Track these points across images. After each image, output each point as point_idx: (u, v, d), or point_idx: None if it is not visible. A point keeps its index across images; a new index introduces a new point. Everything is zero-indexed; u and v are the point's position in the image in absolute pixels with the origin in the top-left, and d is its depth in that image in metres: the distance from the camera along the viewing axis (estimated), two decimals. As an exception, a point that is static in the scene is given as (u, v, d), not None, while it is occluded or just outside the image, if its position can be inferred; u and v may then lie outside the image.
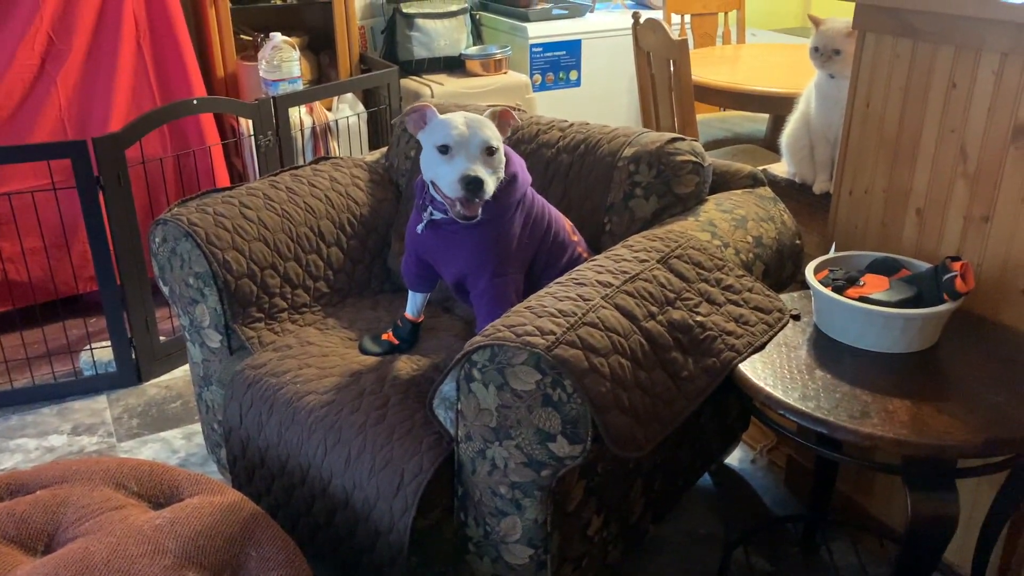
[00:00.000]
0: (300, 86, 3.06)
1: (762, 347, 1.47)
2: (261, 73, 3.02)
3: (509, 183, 1.59)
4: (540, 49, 3.60)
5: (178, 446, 2.29)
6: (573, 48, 3.67)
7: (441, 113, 1.59)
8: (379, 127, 3.30)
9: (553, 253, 1.68)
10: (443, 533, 1.54)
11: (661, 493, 1.75)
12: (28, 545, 1.35)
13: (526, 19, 3.61)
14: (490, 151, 1.52)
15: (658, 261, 1.53)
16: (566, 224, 1.73)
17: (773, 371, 1.40)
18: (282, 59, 2.99)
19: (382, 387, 1.63)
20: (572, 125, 2.00)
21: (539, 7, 3.68)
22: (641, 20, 2.88)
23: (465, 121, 1.53)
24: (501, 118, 1.59)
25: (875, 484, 1.85)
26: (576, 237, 1.73)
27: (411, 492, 1.45)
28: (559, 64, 3.66)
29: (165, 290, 1.88)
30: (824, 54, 1.83)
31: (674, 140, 1.82)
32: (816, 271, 1.54)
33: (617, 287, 1.44)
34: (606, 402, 1.29)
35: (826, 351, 1.45)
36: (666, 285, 1.48)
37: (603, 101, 3.75)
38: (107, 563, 1.24)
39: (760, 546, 1.89)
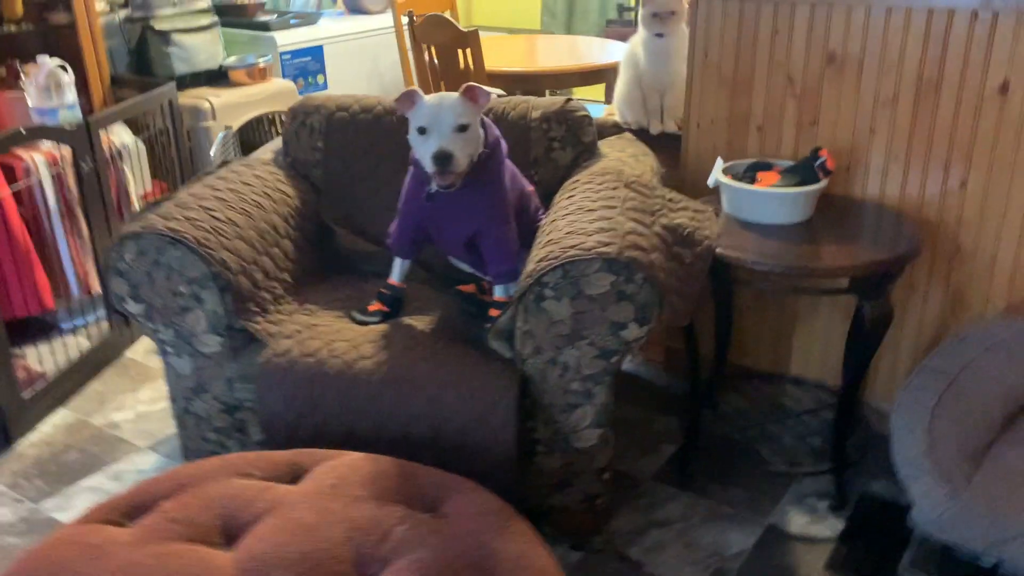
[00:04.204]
0: (79, 113, 2.88)
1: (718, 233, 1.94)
2: (33, 102, 2.79)
3: (497, 147, 1.86)
4: (289, 56, 3.72)
5: (110, 488, 2.15)
6: (317, 53, 3.83)
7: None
8: (157, 149, 3.18)
9: (525, 201, 1.98)
10: (512, 445, 1.78)
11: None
12: (209, 540, 1.35)
13: (267, 28, 3.70)
14: (461, 128, 1.77)
15: (624, 186, 1.92)
16: (522, 177, 2.03)
17: (732, 246, 1.87)
18: (59, 84, 2.79)
19: (417, 343, 1.81)
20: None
21: (275, 17, 3.78)
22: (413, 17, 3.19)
23: (439, 102, 1.77)
24: (468, 94, 1.82)
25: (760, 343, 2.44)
26: (531, 188, 2.05)
27: (506, 406, 1.68)
28: (307, 69, 3.81)
29: (138, 308, 1.83)
30: (661, 16, 2.32)
31: (568, 100, 2.21)
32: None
33: (620, 208, 1.80)
34: (666, 286, 1.66)
35: (748, 228, 1.96)
36: (643, 201, 1.88)
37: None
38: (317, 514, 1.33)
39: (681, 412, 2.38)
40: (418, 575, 1.23)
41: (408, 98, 1.77)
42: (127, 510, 1.43)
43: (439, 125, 1.73)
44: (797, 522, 1.99)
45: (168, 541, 1.32)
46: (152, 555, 1.28)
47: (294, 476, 1.52)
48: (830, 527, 1.97)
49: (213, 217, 1.87)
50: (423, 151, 1.74)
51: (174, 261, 1.77)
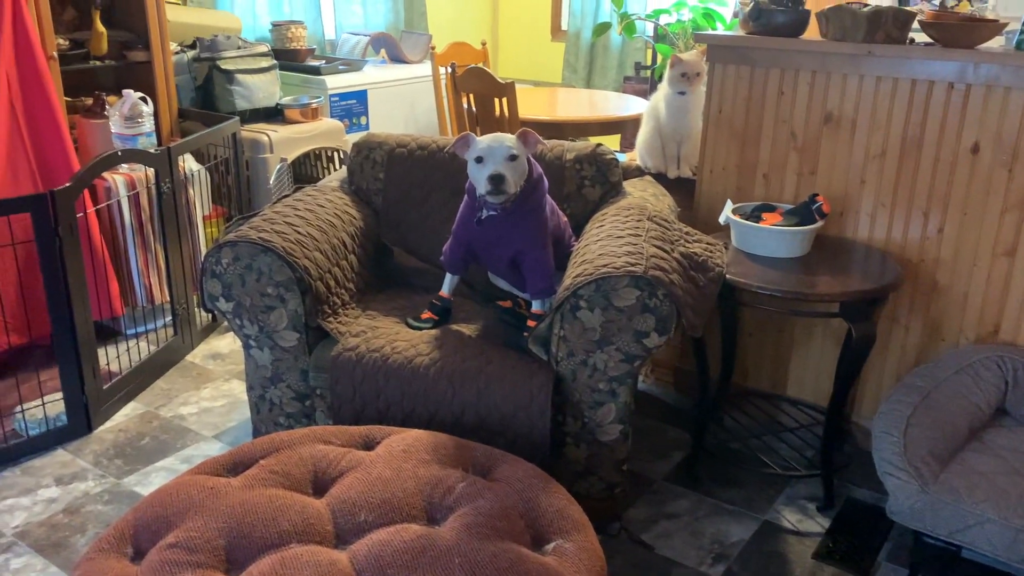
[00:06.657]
0: (155, 139, 3.21)
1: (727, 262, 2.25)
2: (116, 129, 3.12)
3: (540, 182, 2.18)
4: (337, 98, 4.07)
5: (183, 469, 2.43)
6: (361, 96, 4.19)
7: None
8: (216, 177, 3.52)
9: (559, 231, 2.29)
10: (546, 436, 2.07)
11: (644, 392, 2.44)
12: (301, 489, 1.64)
13: (319, 72, 4.06)
14: (512, 158, 2.10)
15: (647, 219, 2.23)
16: (559, 210, 2.35)
17: (739, 273, 2.18)
18: (140, 114, 3.14)
19: (465, 345, 2.11)
20: (506, 143, 2.62)
21: (324, 63, 4.15)
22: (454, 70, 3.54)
23: (493, 139, 2.10)
24: (522, 137, 2.15)
25: (761, 364, 2.73)
26: (565, 220, 2.36)
27: (542, 399, 1.97)
28: (352, 111, 4.16)
29: (228, 306, 2.12)
30: (689, 76, 2.67)
31: (598, 146, 2.54)
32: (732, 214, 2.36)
33: (644, 236, 2.11)
34: (683, 302, 1.96)
35: (753, 260, 2.27)
36: (663, 232, 2.19)
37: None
38: (389, 467, 1.61)
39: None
40: (479, 518, 1.52)
41: (464, 140, 2.10)
42: (230, 466, 1.72)
43: (494, 155, 2.06)
44: (789, 519, 2.26)
45: (271, 487, 1.61)
46: (260, 496, 1.57)
47: (368, 445, 1.80)
48: (818, 524, 2.24)
49: (296, 231, 2.18)
50: (480, 176, 2.06)
51: (264, 266, 2.08)
